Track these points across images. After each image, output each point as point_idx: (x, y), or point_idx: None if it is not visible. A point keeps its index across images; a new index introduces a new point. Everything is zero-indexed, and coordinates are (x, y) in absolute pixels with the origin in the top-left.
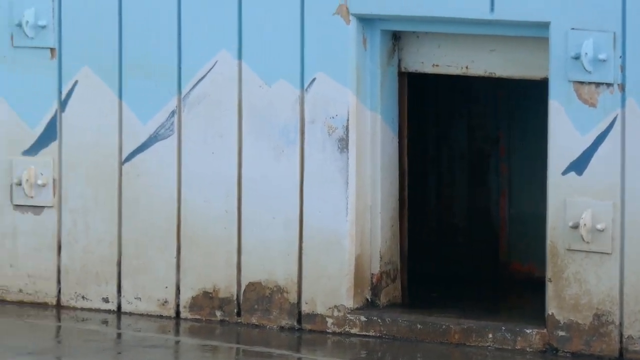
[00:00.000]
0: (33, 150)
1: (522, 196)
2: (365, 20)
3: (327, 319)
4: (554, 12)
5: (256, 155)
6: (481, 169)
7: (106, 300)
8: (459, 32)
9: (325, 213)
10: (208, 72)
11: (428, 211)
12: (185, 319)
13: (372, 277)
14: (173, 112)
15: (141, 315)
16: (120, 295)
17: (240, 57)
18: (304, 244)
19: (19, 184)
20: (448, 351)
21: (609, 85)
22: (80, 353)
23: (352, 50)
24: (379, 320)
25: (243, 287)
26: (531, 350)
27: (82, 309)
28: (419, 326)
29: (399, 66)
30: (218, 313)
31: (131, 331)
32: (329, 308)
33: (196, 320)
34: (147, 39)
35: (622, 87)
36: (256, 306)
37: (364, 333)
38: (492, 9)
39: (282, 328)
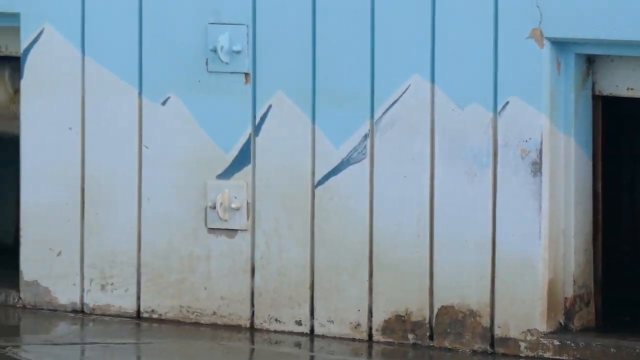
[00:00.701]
0: (227, 174)
1: None
2: (560, 44)
3: (520, 342)
4: None
5: (448, 179)
6: None
7: (299, 323)
8: None
9: (518, 237)
10: (400, 96)
11: (622, 234)
12: (378, 342)
13: (565, 301)
14: (365, 136)
15: (334, 338)
16: (313, 318)
17: (433, 81)
18: (496, 268)
19: (213, 207)
20: None
21: None
22: None
23: (546, 73)
24: (572, 344)
25: (435, 311)
26: None
27: (275, 332)
28: (612, 350)
29: (592, 89)
30: (410, 336)
31: (324, 354)
32: (522, 332)
33: (388, 343)
34: (340, 63)
35: None
36: (449, 330)
37: (557, 357)
38: None
39: (474, 352)
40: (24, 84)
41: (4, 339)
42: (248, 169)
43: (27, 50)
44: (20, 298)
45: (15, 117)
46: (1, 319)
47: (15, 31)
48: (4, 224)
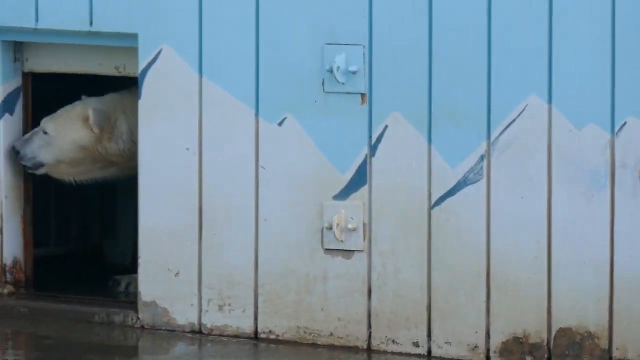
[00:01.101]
0: (343, 194)
1: None
2: None
3: None
4: None
5: (566, 200)
6: None
7: (416, 344)
8: None
9: (637, 258)
10: (518, 116)
11: None
12: None
13: None
14: (482, 157)
15: None
16: (430, 340)
17: (550, 101)
18: (615, 290)
19: (330, 228)
20: None
21: None
22: None
23: None
24: None
25: (553, 333)
26: None
27: (393, 353)
28: None
29: None
30: (528, 358)
31: None
32: None
33: None
34: (457, 84)
35: None
36: (567, 352)
37: None
38: None
39: None
40: (142, 105)
41: (123, 359)
42: (364, 189)
43: (145, 71)
44: (138, 319)
45: (108, 161)
46: (120, 339)
47: (134, 52)
48: (121, 245)
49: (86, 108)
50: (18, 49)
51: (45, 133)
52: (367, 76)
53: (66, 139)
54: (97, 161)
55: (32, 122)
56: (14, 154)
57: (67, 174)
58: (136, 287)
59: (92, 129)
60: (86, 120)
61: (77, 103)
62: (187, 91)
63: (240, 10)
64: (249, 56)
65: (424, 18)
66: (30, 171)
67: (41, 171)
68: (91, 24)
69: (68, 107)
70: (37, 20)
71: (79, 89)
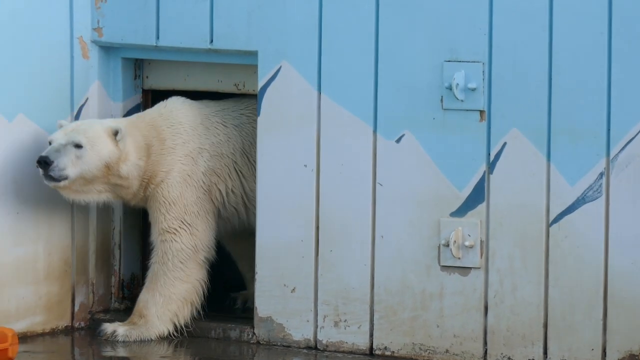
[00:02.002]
0: (461, 211)
1: None
2: None
3: None
4: None
5: None
6: None
7: None
8: None
9: None
10: (638, 133)
11: None
12: None
13: None
14: (601, 174)
15: None
16: (546, 357)
17: None
18: None
19: (447, 245)
20: None
21: None
22: None
23: None
24: None
25: None
26: None
27: None
28: None
29: None
30: None
31: None
32: None
33: None
34: (576, 101)
35: None
36: None
37: None
38: None
39: None
40: (261, 121)
41: None
42: (482, 206)
43: (264, 87)
44: (254, 334)
45: (111, 183)
46: (235, 354)
47: (252, 69)
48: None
49: (106, 124)
50: (138, 66)
51: (78, 147)
52: (486, 93)
53: (99, 154)
54: (104, 182)
55: None
56: (42, 163)
57: (75, 191)
58: (252, 303)
59: (117, 146)
60: (111, 135)
61: (90, 121)
62: (306, 108)
63: (359, 26)
64: (368, 73)
65: (544, 35)
66: (48, 182)
67: (59, 184)
68: (211, 41)
69: (86, 124)
70: (157, 37)
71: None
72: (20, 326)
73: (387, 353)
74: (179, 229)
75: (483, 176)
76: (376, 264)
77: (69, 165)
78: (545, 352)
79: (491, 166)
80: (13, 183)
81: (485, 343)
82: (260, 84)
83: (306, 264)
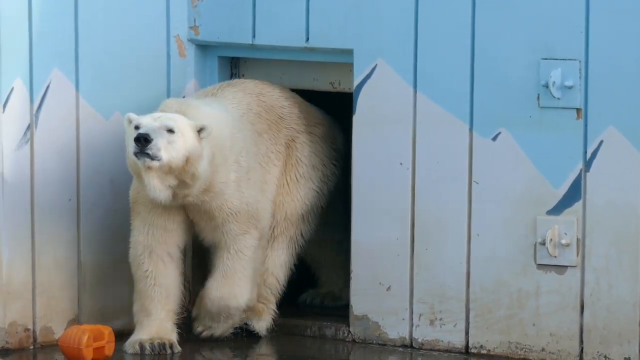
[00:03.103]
0: (557, 209)
1: None
2: None
3: None
4: None
5: None
6: None
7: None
8: None
9: None
10: None
11: None
12: None
13: None
14: None
15: None
16: None
17: None
18: None
19: (543, 243)
20: None
21: None
22: None
23: None
24: None
25: None
26: None
27: None
28: None
29: None
30: None
31: None
32: None
33: None
34: None
35: None
36: None
37: None
38: None
39: None
40: (356, 119)
41: None
42: (578, 204)
43: (360, 85)
44: (349, 332)
45: (180, 180)
46: (331, 353)
47: (348, 67)
48: None
49: (189, 120)
50: (234, 64)
51: (171, 132)
52: (583, 91)
53: (186, 144)
54: (177, 177)
55: None
56: (141, 140)
57: (158, 178)
58: (320, 300)
59: (200, 143)
60: (195, 132)
61: (170, 114)
62: (401, 105)
63: (455, 23)
64: (464, 70)
65: None
66: (143, 160)
67: (153, 164)
68: (307, 39)
69: (172, 113)
70: (253, 36)
71: None
72: (118, 324)
73: (483, 351)
74: (248, 230)
75: (580, 174)
76: (472, 262)
77: (162, 148)
78: None
79: (588, 164)
80: (110, 182)
81: (581, 341)
82: (356, 82)
83: (401, 262)
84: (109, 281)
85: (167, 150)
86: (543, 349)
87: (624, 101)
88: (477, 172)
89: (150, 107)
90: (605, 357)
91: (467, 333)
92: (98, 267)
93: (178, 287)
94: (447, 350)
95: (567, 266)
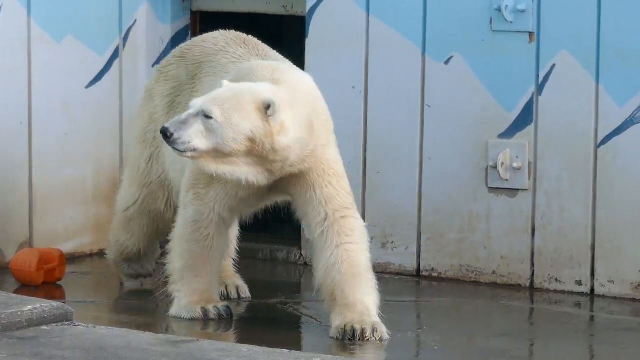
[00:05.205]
0: (509, 133)
1: None
2: None
3: None
4: None
5: None
6: None
7: (579, 283)
8: None
9: None
10: None
11: None
12: None
13: None
14: None
15: (614, 298)
16: (593, 279)
17: None
18: None
19: (495, 167)
20: None
21: None
22: (553, 335)
23: None
24: None
25: None
26: None
27: (555, 292)
28: None
29: None
30: None
31: (604, 314)
32: None
33: None
34: (625, 24)
35: None
36: None
37: None
38: None
39: None
40: (309, 43)
41: (286, 295)
42: (530, 128)
43: (313, 9)
44: (301, 255)
45: (261, 157)
46: (283, 276)
47: None
48: None
49: (258, 96)
50: None
51: (208, 117)
52: (536, 14)
53: (237, 128)
54: (250, 156)
55: None
56: (163, 134)
57: (215, 162)
58: None
59: (267, 121)
60: (261, 110)
61: (241, 88)
62: (354, 29)
63: None
64: None
65: None
66: (174, 152)
67: (187, 155)
68: None
69: (232, 92)
70: None
71: (245, 29)
72: (69, 247)
73: (435, 274)
74: (351, 205)
75: (532, 98)
76: (424, 186)
77: (195, 137)
78: (592, 274)
79: (540, 88)
80: (61, 105)
81: (532, 265)
82: (309, 5)
83: (353, 186)
84: (60, 204)
85: (207, 137)
86: (494, 272)
87: (576, 25)
88: (430, 96)
89: (102, 30)
90: (556, 280)
91: (418, 256)
92: (49, 190)
93: (228, 251)
94: (398, 273)
95: (518, 189)
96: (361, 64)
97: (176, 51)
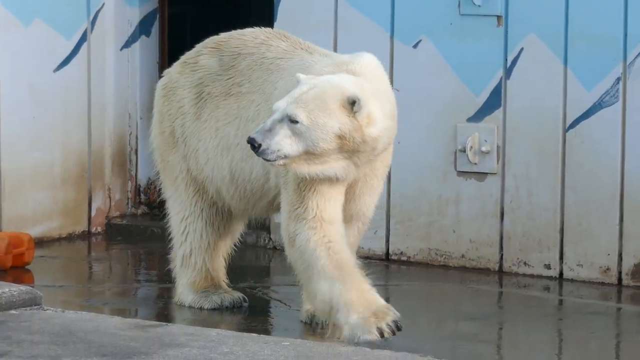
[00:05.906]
0: (477, 117)
1: None
2: None
3: None
4: None
5: None
6: None
7: (548, 266)
8: None
9: None
10: None
11: None
12: (627, 286)
13: None
14: (618, 79)
15: (583, 282)
16: (562, 262)
17: None
18: None
19: (463, 150)
20: None
21: None
22: (521, 319)
23: None
24: None
25: None
26: None
27: (524, 275)
28: None
29: None
30: None
31: (573, 298)
32: None
33: (638, 287)
34: (593, 7)
35: None
36: None
37: None
38: None
39: None
40: (277, 27)
41: (255, 279)
42: (499, 112)
43: None
44: (270, 239)
45: (352, 151)
46: (252, 260)
47: None
48: None
49: (342, 92)
50: None
51: (294, 122)
52: None
53: (325, 128)
54: (342, 151)
55: (167, 43)
56: (251, 145)
57: (308, 164)
58: None
59: (353, 116)
60: (346, 106)
61: (323, 85)
62: (323, 12)
63: None
64: None
65: None
66: (264, 162)
67: (276, 163)
68: None
69: (314, 90)
70: None
71: (214, 13)
72: (37, 231)
73: (403, 258)
74: None
75: (500, 81)
76: (392, 169)
77: (285, 144)
78: (561, 257)
79: (508, 71)
80: (29, 88)
81: (501, 248)
82: None
83: None
84: (28, 188)
85: (296, 142)
86: (463, 256)
87: (544, 8)
88: (398, 80)
89: (70, 13)
90: (524, 263)
91: (387, 240)
92: (17, 174)
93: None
94: (367, 257)
95: (487, 173)
96: (329, 48)
97: (209, 42)
